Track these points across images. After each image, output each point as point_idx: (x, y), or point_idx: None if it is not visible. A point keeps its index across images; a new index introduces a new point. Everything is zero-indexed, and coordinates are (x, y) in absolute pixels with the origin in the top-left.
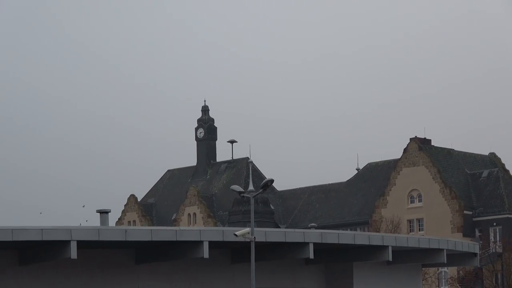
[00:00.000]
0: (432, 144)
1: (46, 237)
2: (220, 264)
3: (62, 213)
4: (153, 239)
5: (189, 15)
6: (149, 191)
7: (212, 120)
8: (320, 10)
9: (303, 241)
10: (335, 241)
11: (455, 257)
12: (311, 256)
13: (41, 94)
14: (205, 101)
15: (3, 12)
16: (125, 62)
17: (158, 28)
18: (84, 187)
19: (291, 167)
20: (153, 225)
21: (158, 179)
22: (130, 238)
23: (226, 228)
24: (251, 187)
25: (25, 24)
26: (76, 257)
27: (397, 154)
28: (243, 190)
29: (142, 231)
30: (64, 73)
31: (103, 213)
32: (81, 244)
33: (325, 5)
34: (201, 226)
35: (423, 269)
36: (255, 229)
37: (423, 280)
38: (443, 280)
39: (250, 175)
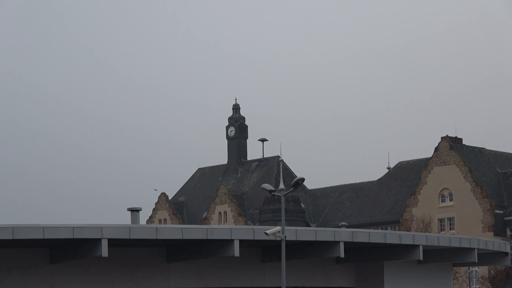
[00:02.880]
0: (463, 143)
1: (77, 235)
2: (250, 263)
3: (93, 211)
4: (184, 238)
5: (220, 15)
6: (180, 189)
7: (243, 118)
8: (344, 10)
9: (333, 240)
10: (366, 240)
11: (486, 256)
12: (342, 255)
13: (68, 100)
14: (236, 99)
15: (6, 12)
16: (158, 62)
17: (189, 28)
18: (116, 185)
19: (322, 166)
20: (183, 223)
21: (189, 177)
22: (161, 236)
23: (256, 227)
24: (281, 186)
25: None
26: (107, 255)
27: (428, 153)
28: (273, 189)
29: (173, 230)
30: (93, 77)
31: (134, 211)
32: (112, 242)
33: (348, 6)
34: (232, 225)
35: (453, 268)
36: (286, 227)
37: (453, 279)
38: (474, 279)
39: (281, 174)
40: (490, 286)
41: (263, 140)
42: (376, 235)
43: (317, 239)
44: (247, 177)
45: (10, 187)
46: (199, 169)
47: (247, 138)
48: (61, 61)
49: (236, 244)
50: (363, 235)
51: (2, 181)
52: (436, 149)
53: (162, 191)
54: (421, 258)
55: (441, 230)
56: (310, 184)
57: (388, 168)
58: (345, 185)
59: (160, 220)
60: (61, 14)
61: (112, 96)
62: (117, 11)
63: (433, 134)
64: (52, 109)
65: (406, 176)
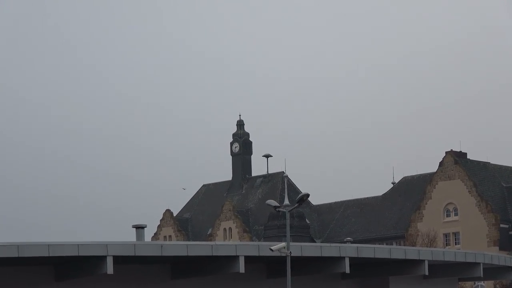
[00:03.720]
0: (468, 157)
1: (83, 252)
2: (256, 279)
3: (97, 229)
4: (189, 254)
5: (223, 32)
6: (184, 206)
7: (247, 134)
8: (346, 29)
9: (339, 255)
10: (371, 256)
11: (491, 271)
12: (347, 270)
13: (79, 120)
14: (240, 115)
15: (8, 13)
16: (162, 79)
17: (193, 45)
18: (120, 202)
19: (326, 181)
20: (188, 240)
21: (194, 193)
22: (166, 253)
23: (261, 243)
24: (286, 202)
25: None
26: (112, 272)
27: (433, 167)
28: (278, 205)
29: (178, 246)
30: (98, 96)
31: (139, 228)
32: (118, 259)
33: (349, 25)
34: (237, 241)
35: (459, 282)
36: (291, 243)
37: None
38: None
39: (286, 190)
40: None
41: (267, 156)
42: (381, 251)
43: (322, 255)
44: (251, 193)
45: (14, 204)
46: (203, 185)
47: (252, 154)
48: (67, 82)
49: (241, 261)
50: (368, 251)
51: (6, 198)
52: (441, 163)
53: (167, 208)
54: (427, 273)
55: (446, 245)
56: (315, 199)
57: (393, 183)
58: (350, 201)
59: (165, 237)
60: (66, 38)
61: (117, 113)
62: (121, 30)
63: (437, 149)
64: (57, 127)
65: (411, 191)
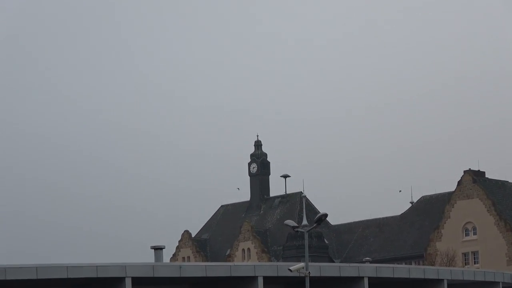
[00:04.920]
0: (486, 176)
1: (101, 274)
2: None
3: (116, 250)
4: (208, 275)
5: (241, 52)
6: (203, 226)
7: (265, 155)
8: (366, 51)
9: (358, 275)
10: (390, 275)
11: None
12: None
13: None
14: (257, 136)
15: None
16: (178, 97)
17: (209, 65)
18: (139, 223)
19: (344, 201)
20: (207, 260)
21: (212, 214)
22: (185, 274)
23: (280, 263)
24: (305, 222)
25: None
26: None
27: (451, 186)
28: (297, 225)
29: (197, 267)
30: (116, 129)
31: (158, 249)
32: (136, 281)
33: (368, 47)
34: (255, 262)
35: None
36: (310, 263)
37: None
38: None
39: (304, 210)
40: None
41: (285, 176)
42: (400, 270)
43: (341, 275)
44: (270, 214)
45: (33, 226)
46: (222, 206)
47: (270, 174)
48: (84, 113)
49: (260, 281)
50: (387, 270)
51: (24, 221)
52: (459, 182)
53: (186, 229)
54: None
55: (465, 264)
56: (333, 219)
57: (411, 202)
58: (368, 220)
59: (183, 258)
60: (73, 63)
61: (136, 130)
62: (134, 62)
63: (456, 168)
64: (74, 161)
65: (430, 211)
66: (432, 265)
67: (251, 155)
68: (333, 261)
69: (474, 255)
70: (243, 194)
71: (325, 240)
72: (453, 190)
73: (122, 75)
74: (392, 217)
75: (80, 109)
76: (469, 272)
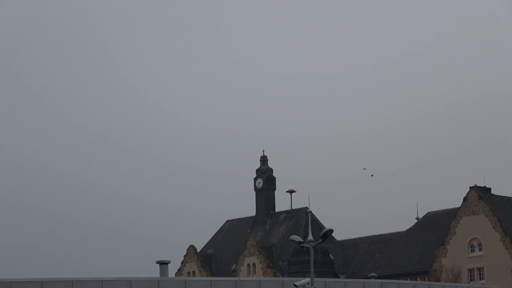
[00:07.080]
0: (492, 192)
1: None
2: None
3: (121, 264)
4: None
5: (247, 66)
6: (208, 241)
7: (271, 170)
8: (374, 65)
9: None
10: None
11: None
12: None
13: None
14: (263, 151)
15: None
16: (184, 113)
17: (215, 76)
18: (144, 238)
19: (350, 217)
20: (212, 275)
21: (217, 229)
22: None
23: (285, 279)
24: (310, 237)
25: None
26: None
27: (457, 203)
28: (302, 240)
29: (202, 282)
30: (124, 157)
31: (163, 264)
32: None
33: (376, 61)
34: (261, 277)
35: None
36: (315, 279)
37: None
38: None
39: (309, 225)
40: None
41: (291, 192)
42: (405, 286)
43: None
44: (275, 229)
45: (38, 239)
46: (227, 221)
47: (275, 189)
48: (91, 138)
49: None
50: (392, 286)
51: (30, 233)
52: (465, 199)
53: (191, 244)
54: None
55: (471, 281)
56: (339, 235)
57: (417, 218)
58: (374, 236)
59: (188, 273)
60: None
61: (148, 146)
62: (139, 79)
63: (461, 184)
64: (74, 187)
65: (435, 227)
66: (438, 281)
67: (257, 170)
68: (338, 277)
69: (479, 271)
70: (249, 209)
71: (330, 255)
72: (459, 206)
73: (128, 98)
74: (397, 233)
75: (86, 132)
76: None
